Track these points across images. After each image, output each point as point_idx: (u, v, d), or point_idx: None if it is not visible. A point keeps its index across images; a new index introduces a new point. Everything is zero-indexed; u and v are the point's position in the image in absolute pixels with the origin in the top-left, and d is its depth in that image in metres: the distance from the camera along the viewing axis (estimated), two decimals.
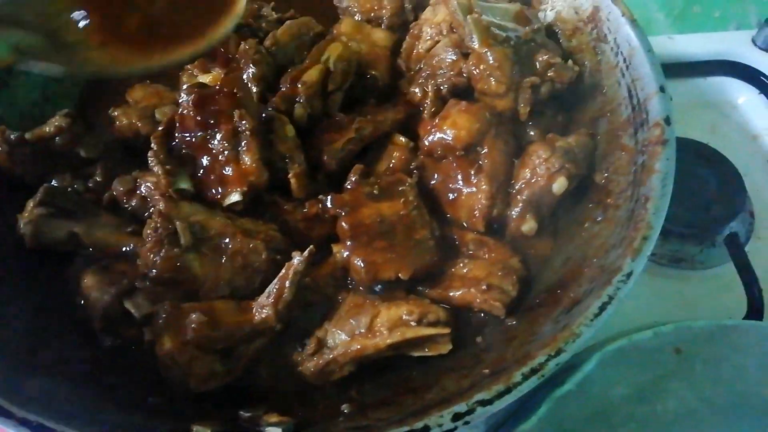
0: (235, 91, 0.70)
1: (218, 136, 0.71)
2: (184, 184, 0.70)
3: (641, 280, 0.62)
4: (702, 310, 0.92)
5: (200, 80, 0.81)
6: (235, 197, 0.71)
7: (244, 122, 0.70)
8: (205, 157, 0.72)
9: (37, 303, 0.70)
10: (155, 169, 0.67)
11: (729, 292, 0.92)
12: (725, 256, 0.95)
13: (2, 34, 0.56)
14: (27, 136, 0.76)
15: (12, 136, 0.75)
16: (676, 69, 1.18)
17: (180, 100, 0.72)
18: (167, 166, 0.68)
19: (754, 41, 1.20)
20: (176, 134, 0.70)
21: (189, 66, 0.87)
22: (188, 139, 0.71)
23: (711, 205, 0.99)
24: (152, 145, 0.69)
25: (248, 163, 0.71)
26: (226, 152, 0.71)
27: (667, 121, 0.71)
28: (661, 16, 1.72)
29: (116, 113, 0.81)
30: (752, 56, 1.18)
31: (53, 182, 0.77)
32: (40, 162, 0.77)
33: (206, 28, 0.65)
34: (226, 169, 0.71)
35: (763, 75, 1.16)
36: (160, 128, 0.70)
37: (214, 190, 0.72)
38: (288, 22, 0.92)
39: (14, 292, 0.69)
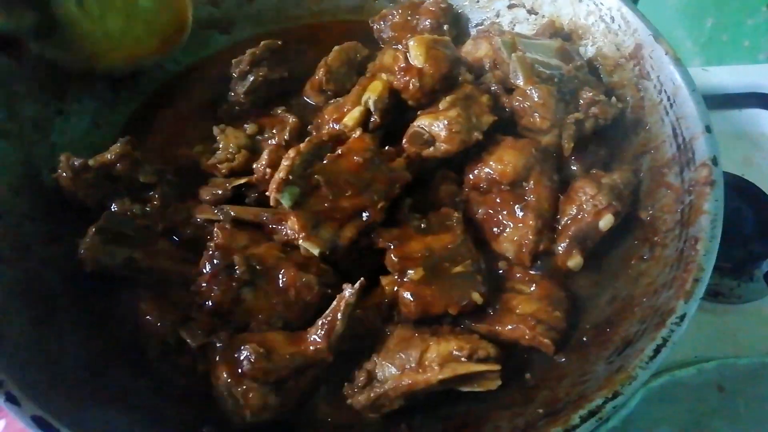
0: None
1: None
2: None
3: None
4: (741, 345, 0.92)
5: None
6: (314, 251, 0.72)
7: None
8: None
9: (95, 332, 0.71)
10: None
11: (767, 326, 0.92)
12: (763, 289, 0.95)
13: None
14: (90, 162, 0.79)
15: (76, 163, 0.78)
16: (709, 101, 1.17)
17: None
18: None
19: None
20: None
21: None
22: None
23: (748, 240, 0.99)
24: None
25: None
26: None
27: (714, 161, 0.72)
28: (689, 44, 1.72)
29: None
30: None
31: (113, 206, 0.80)
32: (101, 186, 0.80)
33: None
34: None
35: None
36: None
37: None
38: (336, 48, 0.95)
39: (72, 322, 0.71)
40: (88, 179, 0.78)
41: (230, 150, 0.83)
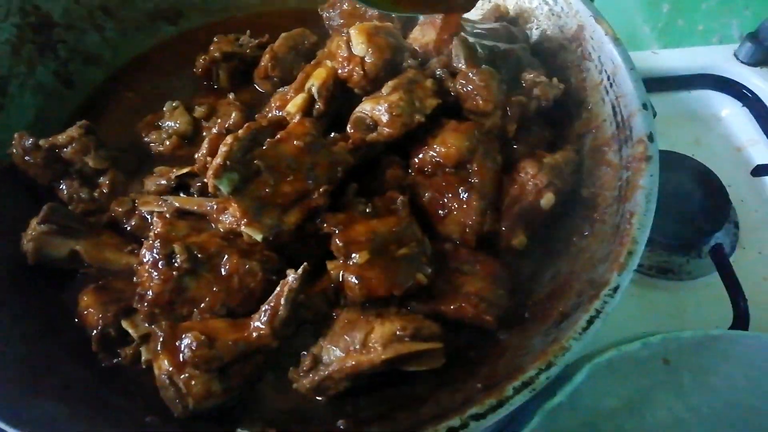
0: None
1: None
2: None
3: (630, 291, 0.63)
4: (690, 320, 0.94)
5: None
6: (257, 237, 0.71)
7: None
8: None
9: (37, 325, 0.70)
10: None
11: (716, 301, 0.94)
12: (712, 266, 0.97)
13: None
14: (41, 142, 0.80)
15: (28, 142, 0.80)
16: (660, 83, 1.21)
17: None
18: None
19: (736, 55, 1.23)
20: None
21: None
22: None
23: (696, 217, 1.01)
24: None
25: None
26: None
27: (650, 138, 0.73)
28: (646, 29, 1.75)
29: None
30: (735, 70, 1.22)
31: (62, 187, 0.82)
32: (50, 167, 0.81)
33: None
34: None
35: (746, 88, 1.20)
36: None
37: None
38: (283, 34, 0.95)
39: (14, 315, 0.70)
40: (38, 159, 0.79)
41: (166, 131, 0.86)
